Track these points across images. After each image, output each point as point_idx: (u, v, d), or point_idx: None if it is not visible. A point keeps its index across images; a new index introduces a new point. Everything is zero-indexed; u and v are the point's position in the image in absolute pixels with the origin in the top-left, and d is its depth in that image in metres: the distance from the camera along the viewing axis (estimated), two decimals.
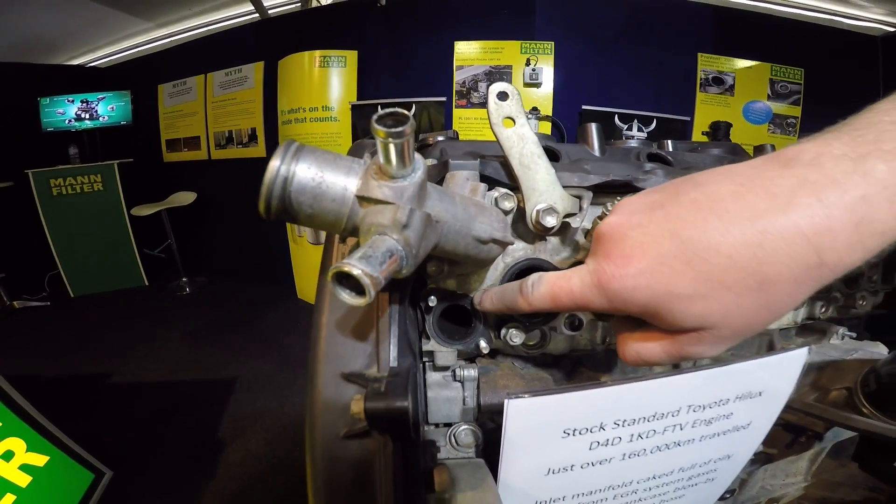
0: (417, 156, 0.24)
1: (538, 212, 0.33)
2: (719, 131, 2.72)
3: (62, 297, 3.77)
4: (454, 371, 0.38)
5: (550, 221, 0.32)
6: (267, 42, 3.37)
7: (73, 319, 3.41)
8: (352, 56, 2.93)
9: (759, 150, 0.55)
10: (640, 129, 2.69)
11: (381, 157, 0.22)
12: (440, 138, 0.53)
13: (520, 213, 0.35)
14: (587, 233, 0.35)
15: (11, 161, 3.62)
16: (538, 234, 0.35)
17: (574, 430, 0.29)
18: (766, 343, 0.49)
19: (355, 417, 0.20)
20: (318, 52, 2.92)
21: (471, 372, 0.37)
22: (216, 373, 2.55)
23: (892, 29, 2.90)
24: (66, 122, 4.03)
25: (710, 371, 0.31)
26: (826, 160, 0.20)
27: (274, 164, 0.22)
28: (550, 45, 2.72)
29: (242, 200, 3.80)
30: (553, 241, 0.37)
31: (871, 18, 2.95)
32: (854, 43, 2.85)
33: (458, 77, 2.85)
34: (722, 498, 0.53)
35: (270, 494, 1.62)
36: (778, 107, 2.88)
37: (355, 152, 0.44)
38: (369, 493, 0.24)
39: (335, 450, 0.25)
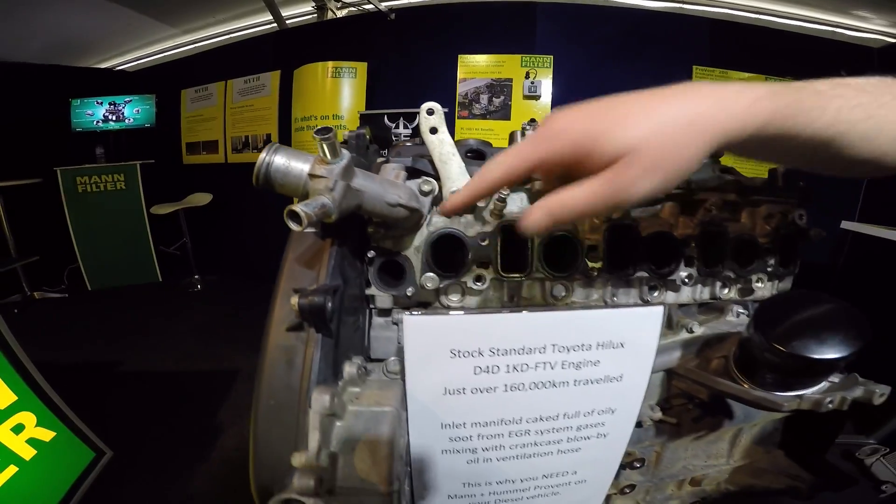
0: (345, 151, 0.35)
1: (450, 193, 0.43)
2: None
3: (80, 290, 3.95)
4: (392, 315, 0.47)
5: None
6: (284, 52, 3.55)
7: (89, 311, 3.57)
8: (362, 67, 3.09)
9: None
10: None
11: (320, 152, 0.35)
12: (408, 144, 0.63)
13: (441, 196, 0.45)
14: (491, 212, 0.45)
15: (42, 158, 3.84)
16: None
17: (459, 352, 0.38)
18: (665, 318, 0.57)
19: (293, 311, 0.31)
20: (330, 63, 3.09)
21: (403, 316, 0.47)
22: (220, 364, 2.67)
23: (891, 40, 2.87)
24: (95, 122, 4.26)
25: (571, 313, 0.39)
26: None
27: (262, 155, 0.35)
28: (549, 58, 2.83)
29: (255, 203, 3.96)
30: (468, 217, 0.46)
31: (872, 30, 2.94)
32: (850, 55, 2.85)
33: (461, 89, 2.97)
34: (632, 467, 0.59)
35: None
36: None
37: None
38: (296, 369, 0.34)
39: (279, 338, 0.36)
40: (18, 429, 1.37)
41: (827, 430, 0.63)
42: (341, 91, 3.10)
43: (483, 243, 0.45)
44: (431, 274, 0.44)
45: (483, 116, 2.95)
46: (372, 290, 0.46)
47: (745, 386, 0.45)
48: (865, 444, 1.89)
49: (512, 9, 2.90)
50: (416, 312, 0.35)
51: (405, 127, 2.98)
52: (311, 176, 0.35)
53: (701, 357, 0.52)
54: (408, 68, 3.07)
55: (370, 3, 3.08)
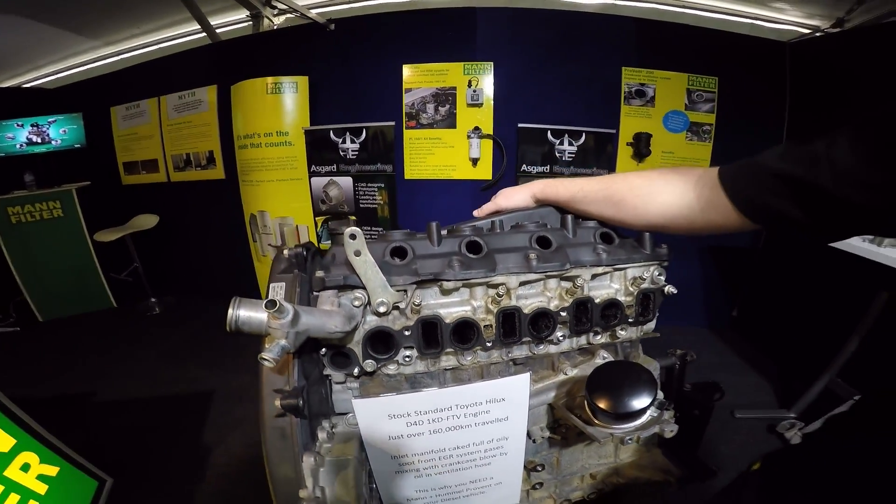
0: (287, 306, 0.47)
1: (375, 304, 0.59)
2: (641, 142, 3.03)
3: (31, 323, 3.82)
4: (347, 383, 0.65)
5: (382, 309, 0.59)
6: (219, 65, 3.46)
7: (47, 343, 3.48)
8: (303, 81, 3.08)
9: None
10: (570, 143, 2.97)
11: (269, 314, 0.46)
12: (339, 248, 0.71)
13: (370, 302, 0.61)
14: (411, 310, 0.62)
15: None
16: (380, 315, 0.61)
17: (395, 415, 0.56)
18: (549, 363, 0.76)
19: (279, 407, 0.48)
20: (269, 79, 3.05)
21: (354, 384, 0.64)
22: (195, 386, 2.73)
23: (804, 31, 3.06)
24: (18, 146, 4.01)
25: (465, 387, 0.58)
26: None
27: (230, 311, 0.46)
28: (490, 65, 2.91)
29: (204, 221, 3.89)
30: (395, 313, 0.63)
31: (789, 21, 3.08)
32: (764, 50, 3.03)
33: (407, 99, 3.02)
34: (536, 470, 0.76)
35: (253, 487, 1.84)
36: (695, 115, 3.04)
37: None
38: (288, 440, 0.53)
39: (272, 422, 0.53)
40: (26, 468, 1.48)
41: (692, 433, 0.81)
42: (283, 106, 3.09)
43: (407, 334, 0.62)
44: (370, 360, 0.61)
45: (430, 126, 3.03)
46: (328, 371, 0.63)
47: (597, 423, 0.61)
48: (786, 418, 2.13)
49: (453, 15, 2.95)
50: (363, 397, 0.53)
51: (352, 142, 3.04)
52: (269, 327, 0.47)
53: (570, 395, 0.71)
54: (352, 80, 3.08)
55: (302, 14, 3.05)
